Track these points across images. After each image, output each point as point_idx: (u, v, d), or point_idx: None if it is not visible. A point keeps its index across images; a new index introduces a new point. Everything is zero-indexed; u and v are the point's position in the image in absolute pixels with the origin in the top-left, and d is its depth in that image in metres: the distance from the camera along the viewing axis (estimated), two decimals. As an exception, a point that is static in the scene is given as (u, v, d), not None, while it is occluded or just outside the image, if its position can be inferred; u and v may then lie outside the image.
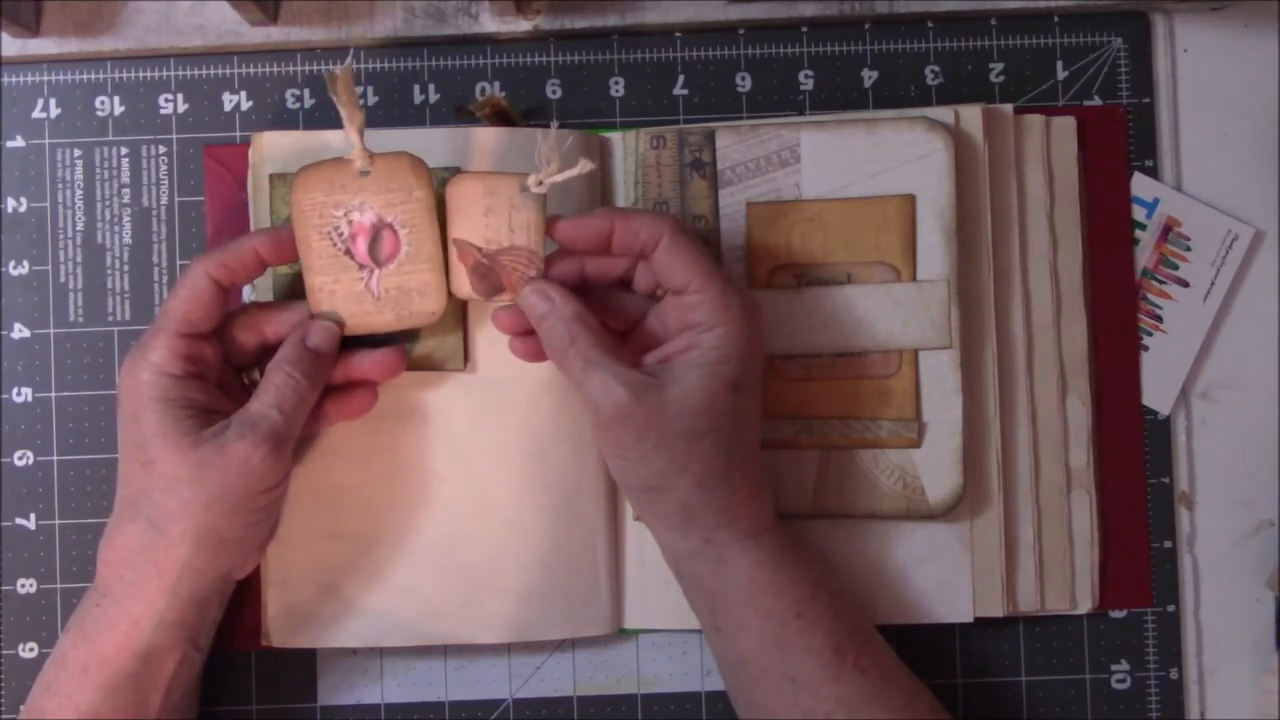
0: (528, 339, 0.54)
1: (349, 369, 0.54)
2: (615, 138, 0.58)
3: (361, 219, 0.52)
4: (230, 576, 0.54)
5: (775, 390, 0.57)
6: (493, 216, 0.52)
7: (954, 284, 0.56)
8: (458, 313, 0.56)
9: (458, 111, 0.60)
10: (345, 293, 0.53)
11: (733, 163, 0.57)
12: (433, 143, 0.57)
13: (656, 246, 0.51)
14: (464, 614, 0.57)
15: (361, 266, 0.53)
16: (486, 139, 0.57)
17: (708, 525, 0.51)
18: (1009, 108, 0.58)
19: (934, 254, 0.56)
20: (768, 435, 0.57)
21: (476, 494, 0.56)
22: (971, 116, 0.57)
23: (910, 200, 0.56)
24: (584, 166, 0.51)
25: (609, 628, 0.57)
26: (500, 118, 0.59)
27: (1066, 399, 0.59)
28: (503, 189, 0.52)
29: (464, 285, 0.53)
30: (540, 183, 0.52)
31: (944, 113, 0.57)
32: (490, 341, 0.56)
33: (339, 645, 0.57)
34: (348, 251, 0.53)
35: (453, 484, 0.57)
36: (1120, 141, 0.60)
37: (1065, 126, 0.59)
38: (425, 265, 0.53)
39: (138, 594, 0.51)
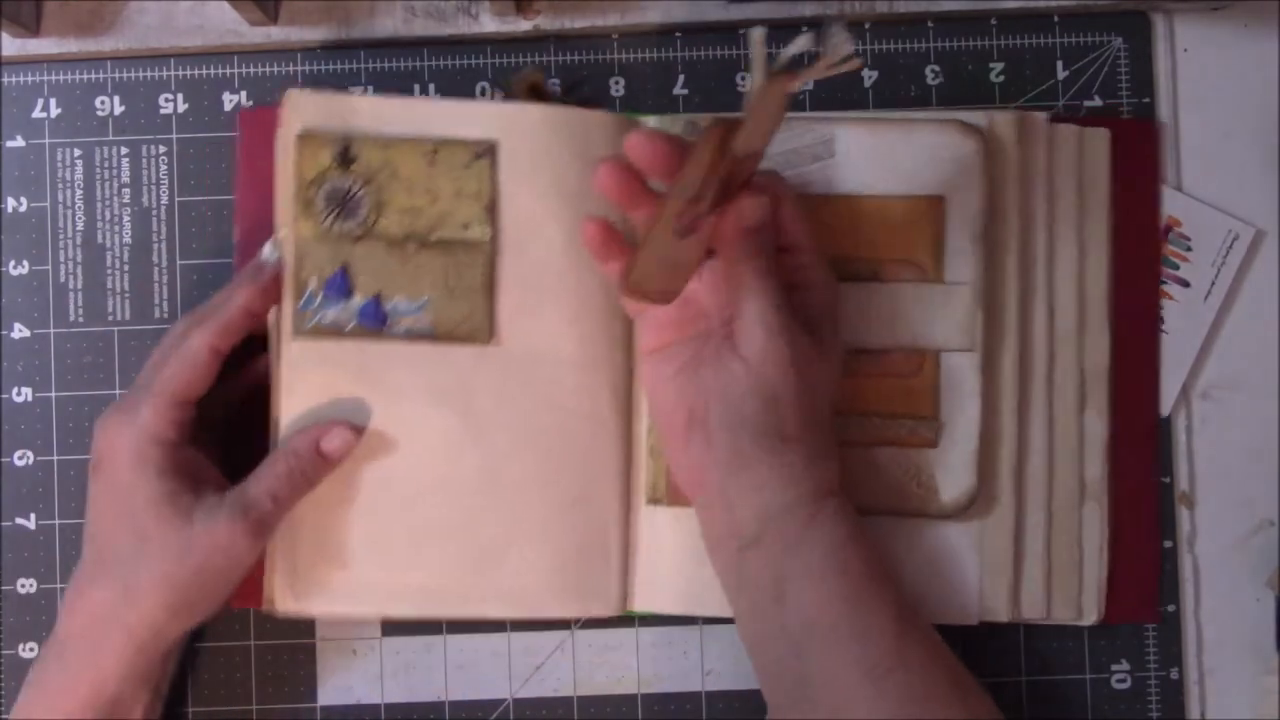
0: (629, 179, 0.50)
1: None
2: (650, 122, 0.58)
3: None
4: (193, 629, 0.55)
5: None
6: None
7: (981, 287, 0.56)
8: (487, 283, 0.56)
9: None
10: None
11: (767, 153, 0.57)
12: (469, 116, 0.56)
13: (782, 202, 0.52)
14: (472, 586, 0.57)
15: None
16: (524, 115, 0.57)
17: (820, 475, 0.51)
18: (1043, 116, 0.58)
19: (962, 257, 0.56)
20: None
21: (493, 468, 0.56)
22: (1005, 122, 0.57)
23: (941, 201, 0.56)
24: (845, 56, 0.45)
25: (616, 609, 0.57)
26: (535, 95, 0.59)
27: (1084, 410, 0.58)
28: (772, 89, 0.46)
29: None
30: (802, 81, 0.46)
31: (978, 117, 0.57)
32: (517, 315, 0.56)
33: (344, 613, 0.57)
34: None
35: (469, 457, 0.56)
36: (1153, 157, 0.60)
37: (1099, 138, 0.59)
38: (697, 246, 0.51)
39: (103, 653, 0.51)
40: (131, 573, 0.51)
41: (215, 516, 0.51)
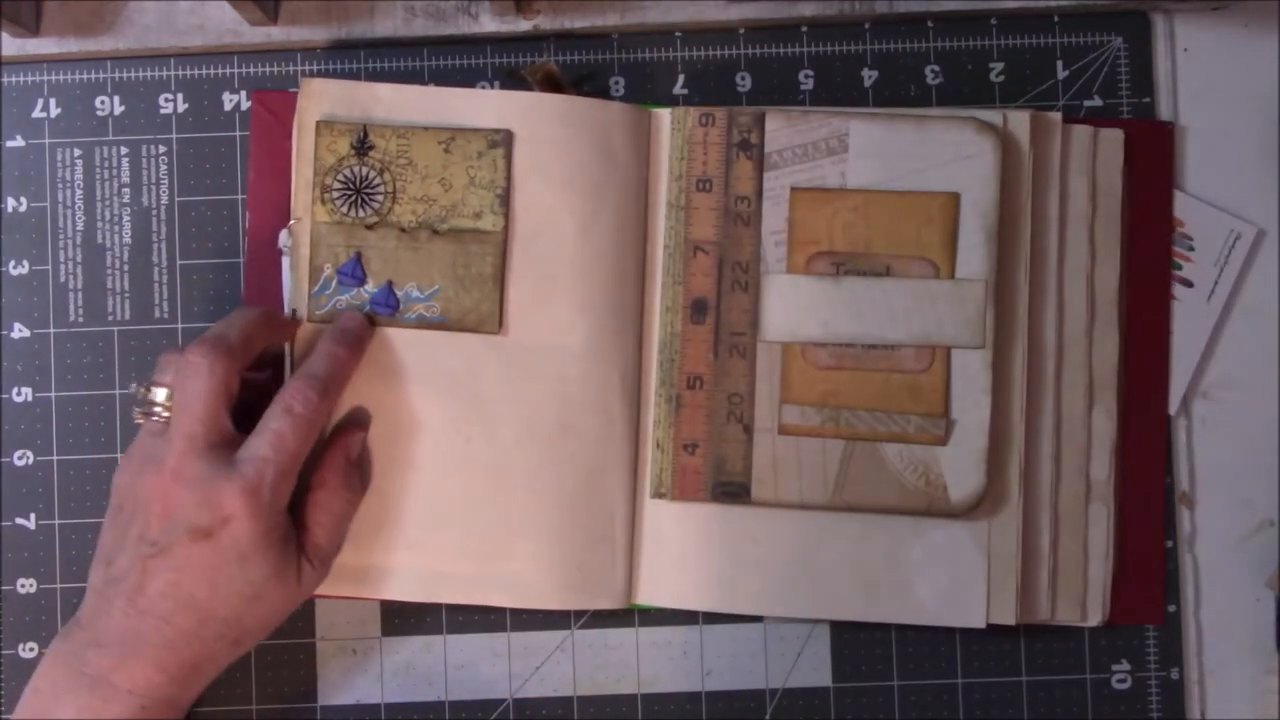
0: None
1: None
2: (664, 113, 0.58)
3: None
4: None
5: (804, 376, 0.57)
6: None
7: (992, 285, 0.56)
8: (496, 273, 0.56)
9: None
10: None
11: (780, 146, 0.57)
12: (487, 105, 0.57)
13: None
14: (478, 575, 0.57)
15: None
16: (541, 105, 0.57)
17: None
18: (1058, 116, 0.58)
19: (974, 254, 0.56)
20: (793, 421, 0.57)
21: (499, 459, 0.56)
22: (1019, 121, 0.57)
23: (954, 198, 0.56)
24: None
25: (620, 602, 0.57)
26: (551, 85, 0.59)
27: (1093, 411, 0.58)
28: None
29: None
30: None
31: (993, 115, 0.57)
32: (526, 306, 0.56)
33: (349, 595, 0.57)
34: None
35: (477, 447, 0.56)
36: (1167, 159, 0.60)
37: (1113, 140, 0.59)
38: None
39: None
40: (245, 633, 0.52)
41: (312, 569, 0.53)
